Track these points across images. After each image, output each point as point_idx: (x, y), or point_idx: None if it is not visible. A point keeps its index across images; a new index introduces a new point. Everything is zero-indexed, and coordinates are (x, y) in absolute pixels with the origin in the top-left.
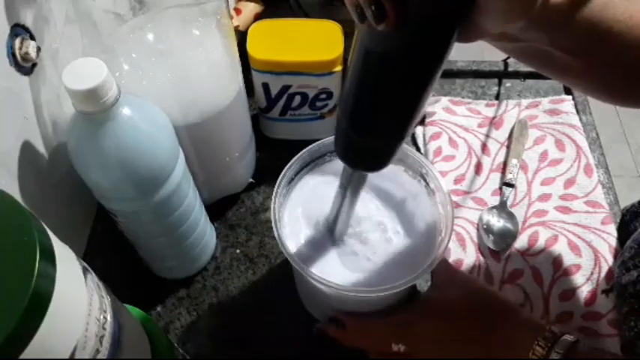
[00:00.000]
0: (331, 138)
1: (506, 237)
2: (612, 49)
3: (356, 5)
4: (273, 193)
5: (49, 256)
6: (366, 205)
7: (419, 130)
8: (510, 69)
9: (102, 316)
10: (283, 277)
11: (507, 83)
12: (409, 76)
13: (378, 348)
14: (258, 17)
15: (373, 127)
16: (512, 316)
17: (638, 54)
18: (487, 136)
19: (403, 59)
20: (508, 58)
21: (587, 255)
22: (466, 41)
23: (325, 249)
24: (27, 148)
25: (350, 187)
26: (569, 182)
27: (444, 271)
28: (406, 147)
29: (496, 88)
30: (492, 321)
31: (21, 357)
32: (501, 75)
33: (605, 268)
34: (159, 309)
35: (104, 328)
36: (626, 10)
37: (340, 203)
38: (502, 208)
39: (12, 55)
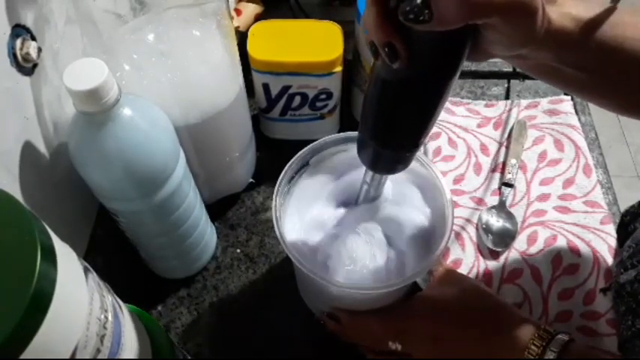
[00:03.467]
0: (331, 136)
1: (506, 237)
2: (623, 64)
3: (371, 44)
4: (274, 192)
5: (50, 256)
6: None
7: None
8: (510, 69)
9: (103, 316)
10: (284, 277)
11: (506, 83)
12: (422, 98)
13: (374, 346)
14: (258, 18)
15: (393, 140)
16: (507, 316)
17: None
18: (486, 136)
19: (415, 86)
20: None
21: (585, 255)
22: (476, 61)
23: (326, 247)
24: (28, 149)
25: (372, 185)
26: (568, 182)
27: (441, 271)
28: None
29: (495, 89)
30: (487, 320)
31: (22, 357)
32: (509, 76)
33: (603, 268)
34: (159, 308)
35: (105, 328)
36: (636, 27)
37: (365, 196)
38: (501, 207)
39: (13, 55)
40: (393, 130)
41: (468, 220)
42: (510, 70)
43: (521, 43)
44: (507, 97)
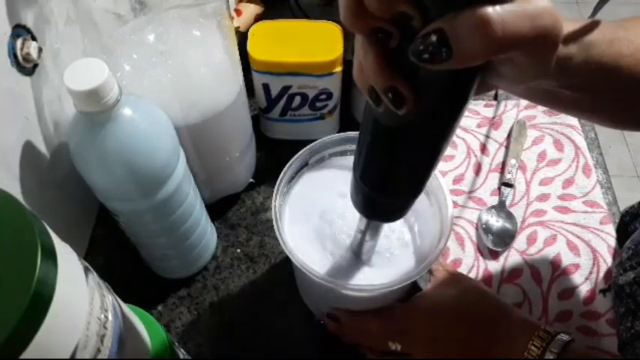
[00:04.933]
0: (330, 137)
1: (505, 237)
2: (620, 83)
3: (370, 90)
4: (274, 191)
5: (50, 256)
6: None
7: None
8: None
9: (103, 316)
10: (284, 277)
11: None
12: (425, 144)
13: (374, 346)
14: (258, 18)
15: (391, 189)
16: (506, 316)
17: None
18: (486, 136)
19: (421, 130)
20: None
21: (585, 254)
22: (476, 95)
23: (326, 247)
24: (28, 148)
25: (368, 232)
26: (568, 182)
27: (441, 271)
28: None
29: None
30: (487, 320)
31: (22, 357)
32: None
33: (603, 268)
34: (160, 308)
35: (105, 328)
36: (631, 43)
37: (361, 243)
38: (501, 207)
39: (13, 55)
40: (392, 179)
41: (468, 220)
42: None
43: (535, 76)
44: (495, 98)
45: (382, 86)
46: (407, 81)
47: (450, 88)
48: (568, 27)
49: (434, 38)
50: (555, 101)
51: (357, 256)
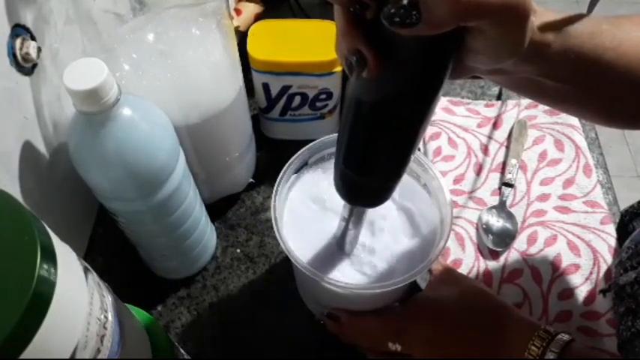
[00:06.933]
0: (330, 136)
1: (506, 237)
2: (603, 76)
3: (346, 60)
4: (274, 191)
5: (50, 256)
6: None
7: None
8: None
9: (103, 316)
10: (283, 277)
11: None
12: (400, 121)
13: (374, 347)
14: (258, 18)
15: (370, 169)
16: (506, 316)
17: (628, 79)
18: (486, 136)
19: (392, 106)
20: None
21: (586, 255)
22: (456, 78)
23: (325, 247)
24: (28, 149)
25: (352, 220)
26: (568, 182)
27: (441, 270)
28: None
29: (495, 89)
30: (487, 321)
31: (21, 357)
32: None
33: (604, 268)
34: (159, 308)
35: (105, 328)
36: (614, 37)
37: (345, 232)
38: (501, 208)
39: (13, 55)
40: (370, 158)
41: (468, 220)
42: None
43: (509, 52)
44: (499, 98)
45: (348, 49)
46: (368, 43)
47: (425, 60)
48: (547, 16)
49: (405, 1)
50: (540, 92)
51: (339, 247)
